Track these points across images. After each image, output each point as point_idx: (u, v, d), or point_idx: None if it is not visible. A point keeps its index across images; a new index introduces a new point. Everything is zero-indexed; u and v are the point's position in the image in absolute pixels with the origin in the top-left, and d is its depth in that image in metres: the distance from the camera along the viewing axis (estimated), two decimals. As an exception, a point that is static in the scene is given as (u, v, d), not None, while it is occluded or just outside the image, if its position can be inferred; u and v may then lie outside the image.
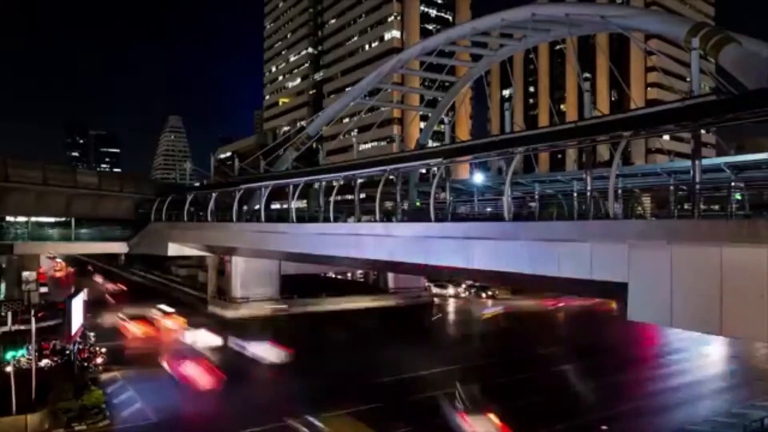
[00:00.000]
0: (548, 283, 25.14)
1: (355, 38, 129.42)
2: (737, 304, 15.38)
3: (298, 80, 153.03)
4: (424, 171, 52.05)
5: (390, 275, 61.94)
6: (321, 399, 27.25)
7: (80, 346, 32.48)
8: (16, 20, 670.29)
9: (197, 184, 69.51)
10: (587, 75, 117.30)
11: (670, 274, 17.00)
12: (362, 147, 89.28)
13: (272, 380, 33.01)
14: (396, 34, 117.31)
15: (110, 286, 74.12)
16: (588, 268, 19.78)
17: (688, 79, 21.88)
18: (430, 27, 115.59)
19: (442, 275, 56.82)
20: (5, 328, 31.25)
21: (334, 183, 37.56)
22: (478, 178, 42.95)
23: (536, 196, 29.50)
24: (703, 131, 20.39)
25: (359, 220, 33.31)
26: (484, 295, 66.27)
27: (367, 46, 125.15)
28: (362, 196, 34.41)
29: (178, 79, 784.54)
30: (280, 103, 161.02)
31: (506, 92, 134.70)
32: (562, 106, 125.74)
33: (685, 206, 20.50)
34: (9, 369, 23.78)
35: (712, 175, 25.10)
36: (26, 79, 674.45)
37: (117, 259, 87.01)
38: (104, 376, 31.46)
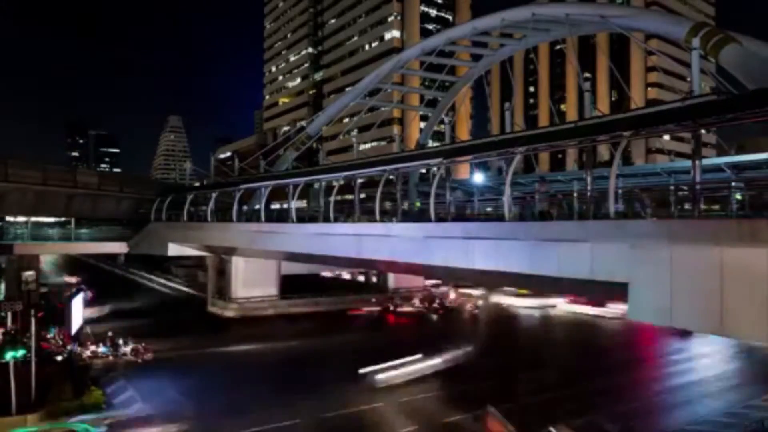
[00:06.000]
0: (548, 284, 25.10)
1: (355, 38, 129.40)
2: (737, 304, 15.37)
3: (298, 80, 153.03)
4: (424, 171, 52.00)
5: (390, 275, 61.86)
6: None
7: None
8: (17, 19, 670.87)
9: (197, 184, 69.40)
10: (587, 75, 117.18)
11: (671, 274, 17.00)
12: (362, 147, 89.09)
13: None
14: (396, 34, 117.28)
15: None
16: (588, 267, 19.79)
17: (688, 79, 21.87)
18: (430, 27, 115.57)
19: (439, 275, 56.55)
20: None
21: (334, 183, 37.54)
22: (478, 178, 42.95)
23: (536, 196, 29.48)
24: (703, 131, 20.37)
25: (359, 220, 33.27)
26: (474, 294, 64.72)
27: (367, 46, 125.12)
28: (362, 196, 34.38)
29: (178, 79, 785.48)
30: (280, 103, 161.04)
31: (506, 92, 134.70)
32: (562, 106, 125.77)
33: (686, 206, 20.49)
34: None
35: (713, 175, 25.12)
36: (26, 79, 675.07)
37: (116, 259, 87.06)
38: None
